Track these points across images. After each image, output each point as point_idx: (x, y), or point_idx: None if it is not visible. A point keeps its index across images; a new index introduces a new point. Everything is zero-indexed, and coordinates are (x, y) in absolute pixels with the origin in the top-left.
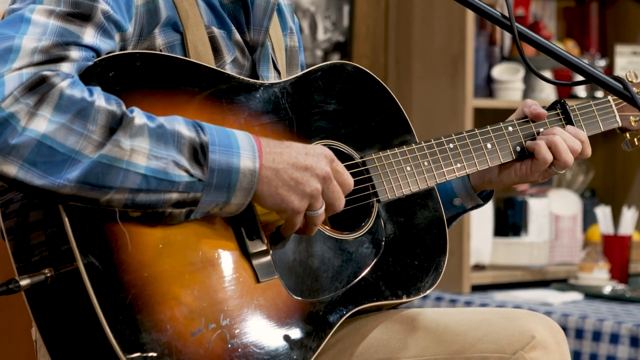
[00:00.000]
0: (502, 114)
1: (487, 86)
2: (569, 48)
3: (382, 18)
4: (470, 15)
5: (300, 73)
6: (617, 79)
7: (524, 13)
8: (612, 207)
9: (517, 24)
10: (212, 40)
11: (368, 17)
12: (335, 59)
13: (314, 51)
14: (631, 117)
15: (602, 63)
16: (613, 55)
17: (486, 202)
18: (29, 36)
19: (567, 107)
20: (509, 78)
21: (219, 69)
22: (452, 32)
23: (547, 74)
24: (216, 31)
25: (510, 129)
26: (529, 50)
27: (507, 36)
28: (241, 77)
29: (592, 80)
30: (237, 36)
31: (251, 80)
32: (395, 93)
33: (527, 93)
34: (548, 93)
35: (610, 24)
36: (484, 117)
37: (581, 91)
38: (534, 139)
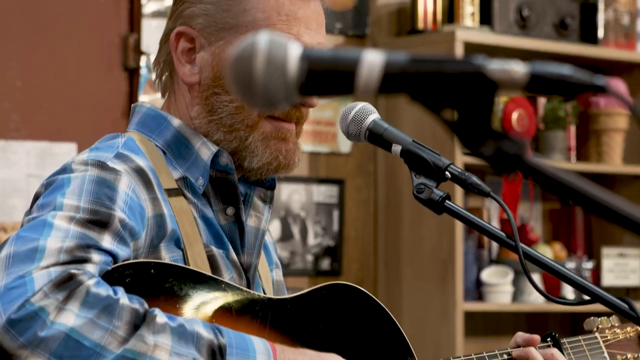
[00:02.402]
0: (492, 317)
1: (477, 289)
2: (556, 251)
3: (371, 222)
4: None
5: (305, 291)
6: (623, 299)
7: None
8: None
9: (521, 244)
10: (211, 259)
11: (357, 221)
12: (325, 264)
13: (304, 256)
14: (618, 356)
15: (589, 265)
16: (600, 257)
17: None
18: (53, 238)
19: (559, 340)
20: (498, 281)
21: (228, 282)
22: (441, 236)
23: (536, 276)
24: (215, 250)
25: (506, 356)
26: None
27: None
28: (248, 290)
29: (598, 301)
30: (234, 256)
31: (256, 293)
32: (385, 296)
33: (517, 295)
34: (537, 296)
35: (595, 226)
36: (474, 321)
37: (569, 293)
38: None
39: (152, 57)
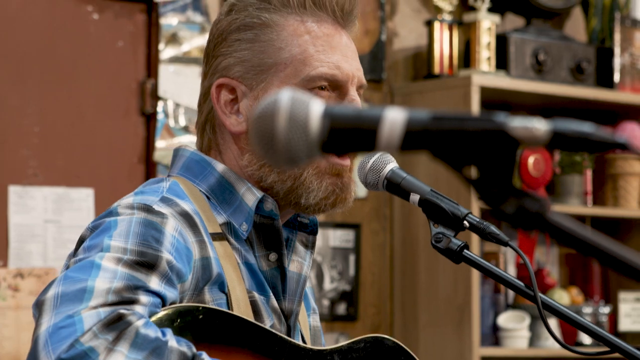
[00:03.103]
0: None
1: (493, 334)
2: (572, 295)
3: (388, 267)
4: None
5: (345, 343)
6: None
7: (528, 260)
8: None
9: (540, 294)
10: (253, 304)
11: (373, 266)
12: (342, 308)
13: (320, 301)
14: None
15: (606, 310)
16: (617, 302)
17: None
18: (101, 279)
19: None
20: (515, 326)
21: (274, 331)
22: (457, 281)
23: (552, 321)
24: (257, 296)
25: None
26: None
27: None
28: (292, 340)
29: (617, 351)
30: (274, 302)
31: (300, 344)
32: (401, 341)
33: (533, 340)
34: (553, 341)
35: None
36: None
37: (586, 338)
38: None
39: (169, 103)
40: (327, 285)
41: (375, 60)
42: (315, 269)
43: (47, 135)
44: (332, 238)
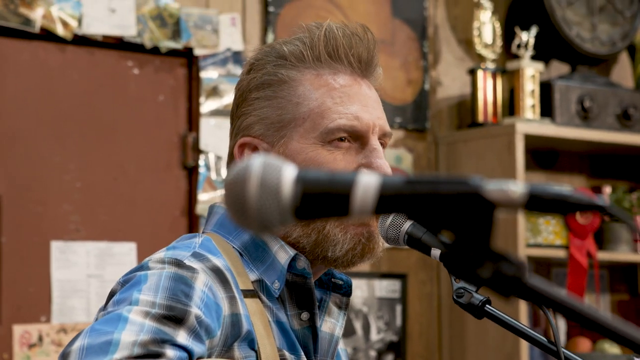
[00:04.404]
0: None
1: None
2: None
3: (435, 317)
4: (523, 315)
5: None
6: None
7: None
8: None
9: (563, 349)
10: None
11: (421, 316)
12: (389, 359)
13: (367, 352)
14: None
15: None
16: None
17: None
18: (127, 332)
19: None
20: None
21: None
22: (505, 330)
23: None
24: (287, 355)
25: None
26: (585, 346)
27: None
28: None
29: None
30: None
31: None
32: None
33: None
34: None
35: None
36: None
37: None
38: None
39: (211, 156)
40: (374, 336)
41: (419, 109)
42: (361, 319)
43: (89, 191)
44: (378, 288)
